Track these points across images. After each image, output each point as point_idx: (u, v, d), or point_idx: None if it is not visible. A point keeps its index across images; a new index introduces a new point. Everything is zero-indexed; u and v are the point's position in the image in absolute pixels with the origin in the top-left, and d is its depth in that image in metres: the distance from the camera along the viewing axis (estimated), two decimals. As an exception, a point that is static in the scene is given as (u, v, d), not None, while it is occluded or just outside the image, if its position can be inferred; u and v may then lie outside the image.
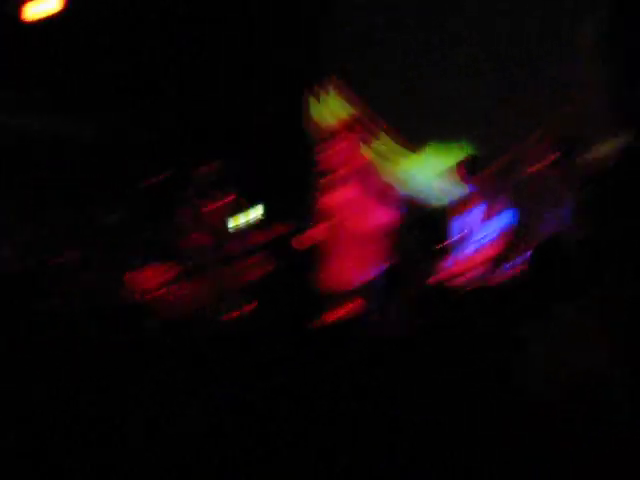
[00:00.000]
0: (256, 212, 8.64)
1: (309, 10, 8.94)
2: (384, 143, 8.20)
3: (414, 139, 8.21)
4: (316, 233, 5.74)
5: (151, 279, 5.72)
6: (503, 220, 6.07)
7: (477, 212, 6.23)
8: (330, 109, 8.30)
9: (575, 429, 2.74)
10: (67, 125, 8.41)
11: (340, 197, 5.75)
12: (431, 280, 5.98)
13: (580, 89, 5.64)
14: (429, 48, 8.31)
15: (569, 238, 4.40)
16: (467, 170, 6.17)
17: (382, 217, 5.59)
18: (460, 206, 6.39)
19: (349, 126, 5.68)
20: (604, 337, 3.10)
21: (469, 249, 6.18)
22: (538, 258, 3.60)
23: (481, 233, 6.16)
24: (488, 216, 6.14)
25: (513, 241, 5.97)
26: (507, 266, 5.92)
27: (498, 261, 5.99)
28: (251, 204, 8.56)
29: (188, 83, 8.68)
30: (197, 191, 7.36)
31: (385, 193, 5.66)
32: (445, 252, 6.31)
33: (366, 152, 5.68)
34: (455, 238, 6.32)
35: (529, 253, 4.44)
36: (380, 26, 8.61)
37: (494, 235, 6.08)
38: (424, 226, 7.38)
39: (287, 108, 8.51)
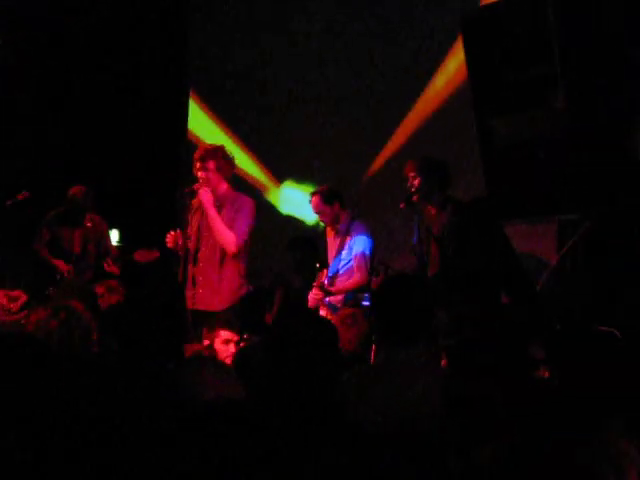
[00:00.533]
0: (112, 237, 8.47)
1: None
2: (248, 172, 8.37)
3: (278, 170, 8.53)
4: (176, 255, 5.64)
5: (9, 303, 5.47)
6: (359, 248, 6.15)
7: (338, 239, 6.30)
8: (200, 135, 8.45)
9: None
10: None
11: (197, 222, 5.64)
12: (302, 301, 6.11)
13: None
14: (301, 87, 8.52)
15: (415, 278, 4.57)
16: (327, 199, 6.22)
17: (239, 240, 5.50)
18: (326, 233, 6.50)
19: (212, 153, 5.65)
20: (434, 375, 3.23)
21: (332, 274, 6.25)
22: (379, 295, 3.63)
23: (340, 260, 6.24)
24: (347, 244, 6.22)
25: (368, 272, 6.08)
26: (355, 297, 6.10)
27: (353, 291, 6.14)
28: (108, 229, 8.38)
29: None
30: (57, 215, 7.20)
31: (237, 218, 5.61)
32: (315, 274, 6.40)
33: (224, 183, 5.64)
34: (323, 263, 6.42)
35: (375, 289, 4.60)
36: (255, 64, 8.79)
37: (352, 263, 6.17)
38: (295, 248, 7.49)
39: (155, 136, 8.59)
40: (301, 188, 8.22)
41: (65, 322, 3.70)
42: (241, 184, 7.74)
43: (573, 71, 4.91)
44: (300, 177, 8.47)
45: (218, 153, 5.69)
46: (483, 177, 5.40)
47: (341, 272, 6.22)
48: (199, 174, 5.60)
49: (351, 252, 6.17)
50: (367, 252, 6.14)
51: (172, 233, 5.61)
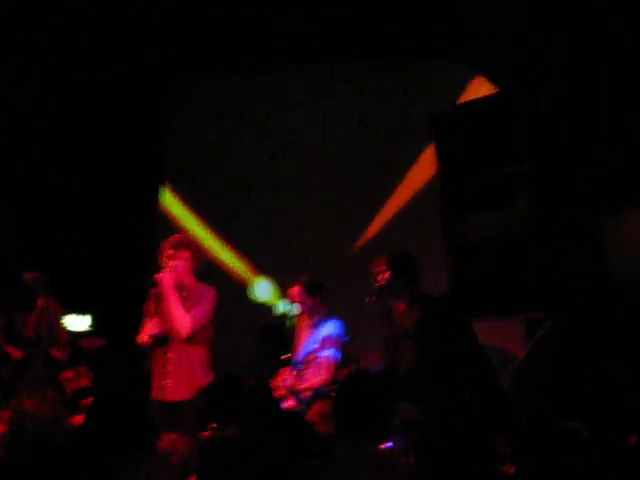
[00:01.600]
0: (83, 322, 8.47)
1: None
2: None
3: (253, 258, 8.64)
4: (143, 339, 5.64)
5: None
6: (330, 345, 6.14)
7: (309, 331, 6.32)
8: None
9: None
10: None
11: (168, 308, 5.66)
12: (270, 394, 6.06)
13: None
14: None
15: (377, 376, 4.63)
16: (309, 290, 6.27)
17: (193, 323, 5.55)
18: (299, 322, 6.49)
19: (187, 244, 5.74)
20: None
21: (300, 365, 6.25)
22: (342, 394, 3.71)
23: (310, 352, 6.22)
24: (320, 337, 6.20)
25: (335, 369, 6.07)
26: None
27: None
28: (80, 314, 8.40)
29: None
30: (10, 299, 7.21)
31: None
32: (285, 364, 6.38)
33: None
34: (296, 352, 6.38)
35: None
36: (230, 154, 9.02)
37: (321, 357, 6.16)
38: (266, 338, 7.52)
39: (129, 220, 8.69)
40: (274, 275, 8.36)
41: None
42: (212, 272, 7.87)
43: (538, 172, 5.08)
44: (274, 265, 8.63)
45: (192, 244, 5.81)
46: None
47: (311, 364, 6.16)
48: (169, 262, 5.64)
49: (324, 346, 6.12)
50: (338, 348, 6.13)
51: (154, 320, 5.63)
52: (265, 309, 8.61)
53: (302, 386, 6.12)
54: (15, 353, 6.99)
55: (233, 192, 9.04)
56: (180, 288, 5.66)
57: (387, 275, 5.54)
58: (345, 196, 8.44)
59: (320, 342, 6.18)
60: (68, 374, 5.51)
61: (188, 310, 5.59)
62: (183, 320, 5.53)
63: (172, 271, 5.61)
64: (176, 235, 5.93)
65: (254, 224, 8.84)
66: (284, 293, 6.53)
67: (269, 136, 8.96)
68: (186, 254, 5.68)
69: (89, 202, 8.82)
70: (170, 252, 5.65)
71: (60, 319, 7.34)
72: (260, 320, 8.35)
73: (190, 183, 9.29)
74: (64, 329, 7.40)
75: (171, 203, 9.26)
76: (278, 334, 7.47)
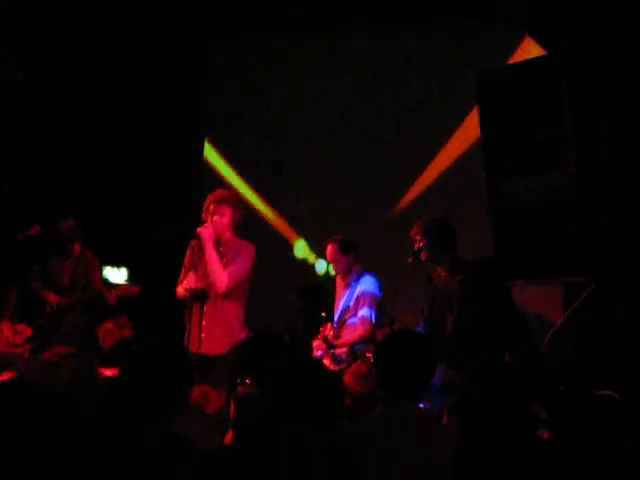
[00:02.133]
0: (120, 275, 8.55)
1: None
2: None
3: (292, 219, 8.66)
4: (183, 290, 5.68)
5: (13, 336, 5.57)
6: (366, 301, 6.20)
7: (347, 290, 6.38)
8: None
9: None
10: None
11: (203, 264, 5.70)
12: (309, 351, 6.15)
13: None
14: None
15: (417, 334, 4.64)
16: (343, 249, 6.29)
17: (230, 281, 5.58)
18: (337, 281, 6.56)
19: (229, 200, 5.76)
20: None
21: (338, 324, 6.32)
22: (381, 350, 3.71)
23: (348, 310, 6.30)
24: (355, 295, 6.28)
25: (372, 325, 6.14)
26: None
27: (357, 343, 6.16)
28: (116, 266, 8.49)
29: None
30: (56, 248, 7.25)
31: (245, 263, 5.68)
32: (325, 322, 6.41)
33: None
34: (329, 313, 6.46)
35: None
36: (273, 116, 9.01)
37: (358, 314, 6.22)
38: (301, 296, 7.58)
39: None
40: (314, 236, 8.39)
41: (70, 375, 3.68)
42: (256, 230, 7.93)
43: (585, 135, 5.02)
44: (312, 226, 8.66)
45: (234, 200, 5.83)
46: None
47: (348, 322, 6.27)
48: (211, 217, 5.69)
49: (358, 304, 6.21)
50: (373, 306, 6.18)
51: (192, 275, 5.67)
52: (305, 267, 8.63)
53: (339, 342, 6.19)
54: (52, 298, 7.07)
55: (274, 147, 9.06)
56: (219, 243, 5.70)
57: (422, 244, 5.57)
58: (388, 155, 8.40)
59: (355, 300, 6.25)
60: (108, 325, 5.56)
61: (226, 266, 5.63)
62: (221, 276, 5.57)
63: (213, 226, 5.65)
64: (219, 190, 5.93)
65: (294, 181, 8.87)
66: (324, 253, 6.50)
67: (306, 92, 8.94)
68: (228, 210, 5.70)
69: (131, 154, 8.86)
70: (212, 207, 5.69)
71: (97, 269, 7.39)
72: (300, 278, 8.44)
73: (231, 138, 9.30)
74: (101, 279, 7.46)
75: (213, 157, 9.27)
76: (317, 293, 7.54)
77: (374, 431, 3.35)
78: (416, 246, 5.60)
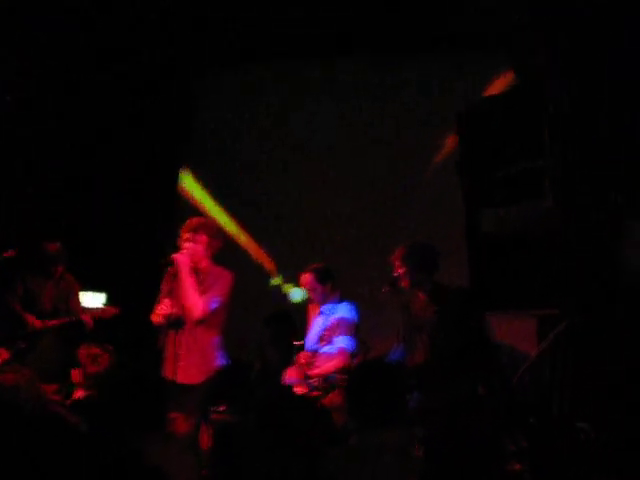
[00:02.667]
0: (98, 300, 8.53)
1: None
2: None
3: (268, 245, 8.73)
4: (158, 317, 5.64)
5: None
6: (343, 331, 6.21)
7: (321, 318, 6.38)
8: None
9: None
10: None
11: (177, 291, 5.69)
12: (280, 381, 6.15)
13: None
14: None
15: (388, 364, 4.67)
16: (320, 278, 6.32)
17: (205, 306, 5.57)
18: (311, 309, 6.57)
19: (206, 227, 5.78)
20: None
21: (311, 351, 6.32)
22: (353, 380, 3.79)
23: (321, 339, 6.30)
24: (330, 322, 6.29)
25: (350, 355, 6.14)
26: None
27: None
28: (95, 290, 8.46)
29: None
30: (40, 268, 7.23)
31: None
32: (298, 349, 6.42)
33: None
34: (308, 338, 6.44)
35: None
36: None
37: (333, 344, 6.23)
38: (271, 322, 7.60)
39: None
40: (289, 262, 8.43)
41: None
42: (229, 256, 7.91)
43: (562, 168, 5.08)
44: (288, 251, 8.72)
45: (211, 229, 5.80)
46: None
47: (322, 350, 6.26)
48: (186, 244, 5.66)
49: (334, 332, 6.21)
50: (352, 334, 6.19)
51: (167, 302, 5.63)
52: (280, 296, 8.65)
53: (313, 372, 6.18)
54: (31, 320, 6.99)
55: (251, 177, 9.14)
56: (196, 271, 5.68)
57: (402, 270, 5.61)
58: (365, 185, 8.49)
59: (330, 327, 6.25)
60: (94, 350, 5.52)
61: (202, 293, 5.59)
62: (196, 302, 5.53)
63: (189, 253, 5.63)
64: (195, 218, 5.91)
65: (270, 210, 8.96)
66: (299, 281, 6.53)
67: (289, 125, 9.05)
68: (204, 238, 5.68)
69: (109, 182, 8.89)
70: (188, 235, 5.66)
71: (77, 293, 7.36)
72: (272, 305, 8.44)
73: (209, 167, 9.36)
74: (80, 303, 7.41)
75: (191, 186, 9.32)
76: (288, 319, 7.58)
77: (349, 461, 3.38)
78: (395, 272, 5.64)
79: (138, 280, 8.22)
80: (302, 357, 6.27)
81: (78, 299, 7.35)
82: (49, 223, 8.30)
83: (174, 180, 9.38)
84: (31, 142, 8.54)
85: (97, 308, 7.48)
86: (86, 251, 8.32)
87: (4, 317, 7.11)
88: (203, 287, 5.64)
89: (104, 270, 8.39)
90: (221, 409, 5.78)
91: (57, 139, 8.73)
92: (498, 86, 7.28)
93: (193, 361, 5.56)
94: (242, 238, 8.96)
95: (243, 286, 6.00)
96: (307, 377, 6.14)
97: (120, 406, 3.38)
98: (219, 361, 5.63)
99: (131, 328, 7.20)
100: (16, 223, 8.31)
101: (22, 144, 8.46)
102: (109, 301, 8.51)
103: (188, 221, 5.78)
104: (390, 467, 3.29)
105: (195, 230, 5.69)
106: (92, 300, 8.52)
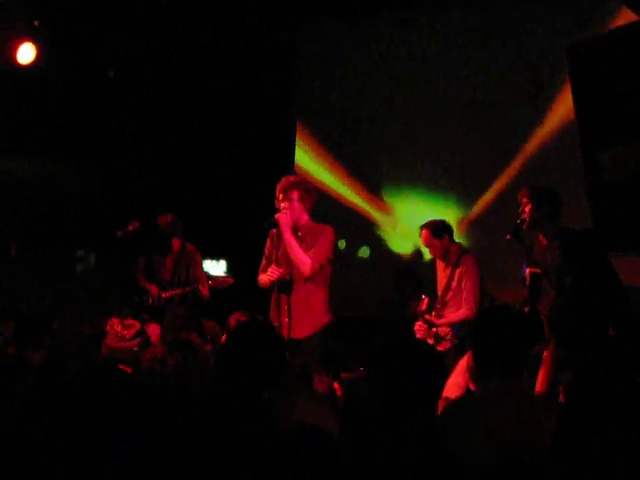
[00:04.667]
0: (220, 267, 8.82)
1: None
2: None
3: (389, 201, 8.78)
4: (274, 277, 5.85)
5: (122, 332, 5.85)
6: (469, 281, 6.30)
7: (447, 271, 6.46)
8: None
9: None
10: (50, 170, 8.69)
11: (283, 251, 5.90)
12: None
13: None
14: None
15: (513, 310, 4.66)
16: (436, 233, 6.42)
17: (313, 263, 5.75)
18: (436, 264, 6.65)
19: (295, 184, 5.91)
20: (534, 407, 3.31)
21: (441, 305, 6.41)
22: (477, 327, 3.71)
23: (449, 291, 6.39)
24: (456, 275, 6.37)
25: (476, 305, 6.24)
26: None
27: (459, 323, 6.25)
28: (216, 259, 8.74)
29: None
30: (156, 245, 7.55)
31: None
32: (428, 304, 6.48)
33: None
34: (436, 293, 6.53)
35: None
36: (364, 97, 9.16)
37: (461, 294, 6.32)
38: (399, 280, 7.69)
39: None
40: (411, 219, 8.42)
41: (183, 362, 3.82)
42: (352, 216, 7.97)
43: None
44: (411, 208, 8.72)
45: (300, 184, 5.95)
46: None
47: (450, 303, 6.36)
48: (282, 204, 5.84)
49: (461, 284, 6.32)
50: (476, 286, 6.28)
51: (274, 266, 5.84)
52: (406, 251, 8.70)
53: (440, 321, 6.31)
54: (154, 290, 7.40)
55: (364, 129, 9.17)
56: (295, 228, 5.86)
57: (528, 207, 5.61)
58: (482, 131, 8.44)
59: (457, 279, 6.35)
60: (243, 318, 5.75)
61: (306, 250, 5.79)
62: (304, 260, 5.74)
63: (287, 212, 5.80)
64: (285, 177, 6.05)
65: (384, 161, 8.98)
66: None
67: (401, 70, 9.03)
68: (296, 194, 5.84)
69: (226, 149, 9.16)
70: (281, 195, 5.85)
71: (199, 262, 7.62)
72: (385, 260, 8.51)
73: (320, 122, 9.46)
74: (203, 272, 7.70)
75: (303, 145, 9.48)
76: (414, 275, 7.65)
77: (468, 410, 3.37)
78: (521, 210, 5.64)
79: (256, 245, 8.47)
80: (424, 304, 6.38)
81: (199, 268, 7.60)
82: (167, 198, 8.62)
83: (288, 139, 9.51)
84: (141, 116, 8.85)
85: (215, 277, 7.72)
86: (203, 219, 8.54)
87: (131, 290, 7.50)
88: (305, 244, 5.83)
89: (224, 238, 8.66)
90: (350, 367, 5.92)
91: (164, 110, 8.98)
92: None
93: (303, 317, 5.77)
94: (353, 193, 9.04)
95: (354, 241, 6.04)
96: (434, 326, 6.28)
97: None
98: (327, 316, 5.82)
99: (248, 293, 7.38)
100: (133, 199, 8.65)
101: (131, 119, 8.78)
102: (229, 268, 8.80)
103: (278, 182, 5.95)
104: (512, 416, 3.23)
105: (286, 189, 5.86)
106: (214, 267, 8.84)
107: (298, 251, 5.77)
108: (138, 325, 6.21)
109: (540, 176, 7.47)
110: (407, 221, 8.70)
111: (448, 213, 7.31)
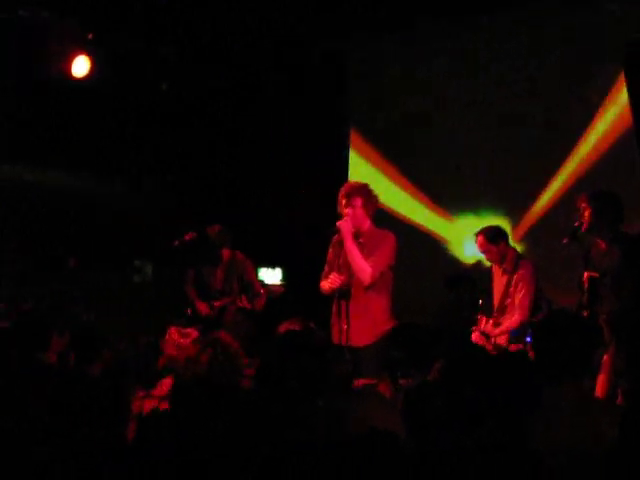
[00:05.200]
0: (275, 275, 8.83)
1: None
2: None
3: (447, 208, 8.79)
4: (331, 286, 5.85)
5: (179, 341, 5.90)
6: (524, 287, 6.23)
7: (504, 277, 6.40)
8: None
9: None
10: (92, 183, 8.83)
11: (343, 258, 5.88)
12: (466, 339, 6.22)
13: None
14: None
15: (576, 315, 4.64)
16: (492, 239, 6.38)
17: (373, 271, 5.74)
18: (492, 270, 6.60)
19: (359, 189, 5.90)
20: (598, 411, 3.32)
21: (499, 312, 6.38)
22: (540, 332, 3.73)
23: (508, 297, 6.34)
24: (514, 282, 6.31)
25: (530, 310, 6.17)
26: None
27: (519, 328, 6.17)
28: (271, 267, 8.76)
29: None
30: (206, 256, 7.54)
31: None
32: (482, 311, 6.50)
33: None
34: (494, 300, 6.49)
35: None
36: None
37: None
38: (454, 286, 7.66)
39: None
40: (468, 225, 8.32)
41: (213, 356, 3.94)
42: (406, 224, 7.97)
43: None
44: (468, 213, 8.69)
45: (364, 190, 5.92)
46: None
47: (508, 309, 6.31)
48: (345, 210, 5.83)
49: (517, 288, 6.24)
50: (531, 291, 6.21)
51: (335, 274, 5.84)
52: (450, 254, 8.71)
53: (496, 331, 6.25)
54: (203, 309, 7.39)
55: (418, 131, 9.17)
56: (357, 235, 5.85)
57: (588, 212, 5.52)
58: (535, 133, 8.37)
59: (514, 285, 6.28)
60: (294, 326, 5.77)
61: (367, 257, 5.77)
62: (364, 268, 5.72)
63: (350, 218, 5.80)
64: (348, 183, 6.08)
65: (441, 164, 8.94)
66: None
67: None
68: (359, 201, 5.83)
69: (282, 154, 9.19)
70: (344, 201, 5.85)
71: (253, 271, 7.63)
72: (445, 266, 8.49)
73: (375, 127, 9.47)
74: (258, 281, 7.71)
75: (359, 150, 9.48)
76: (470, 282, 7.61)
77: (538, 415, 3.31)
78: (579, 214, 5.55)
79: (312, 253, 8.50)
80: (483, 323, 6.35)
81: (252, 276, 7.59)
82: (226, 204, 8.68)
83: (343, 146, 9.52)
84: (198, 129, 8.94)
85: (267, 285, 7.71)
86: (258, 228, 8.59)
87: (183, 303, 7.54)
88: (367, 250, 5.80)
89: (280, 245, 8.67)
90: (406, 373, 5.87)
91: (221, 121, 9.10)
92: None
93: (363, 325, 5.74)
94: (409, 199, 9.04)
95: (411, 246, 5.98)
96: (488, 336, 6.22)
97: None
98: (389, 323, 5.66)
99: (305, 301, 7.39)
100: (184, 209, 8.72)
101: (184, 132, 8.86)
102: (285, 276, 8.81)
103: (342, 187, 5.95)
104: (573, 420, 3.24)
105: (349, 195, 5.85)
106: (269, 276, 8.86)
107: (359, 259, 5.76)
108: (195, 333, 6.25)
109: (594, 179, 7.44)
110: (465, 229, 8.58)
111: (505, 216, 7.24)
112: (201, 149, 9.31)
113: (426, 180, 9.02)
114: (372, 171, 9.22)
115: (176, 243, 7.37)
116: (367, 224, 5.91)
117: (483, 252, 6.48)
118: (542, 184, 8.20)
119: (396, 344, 5.46)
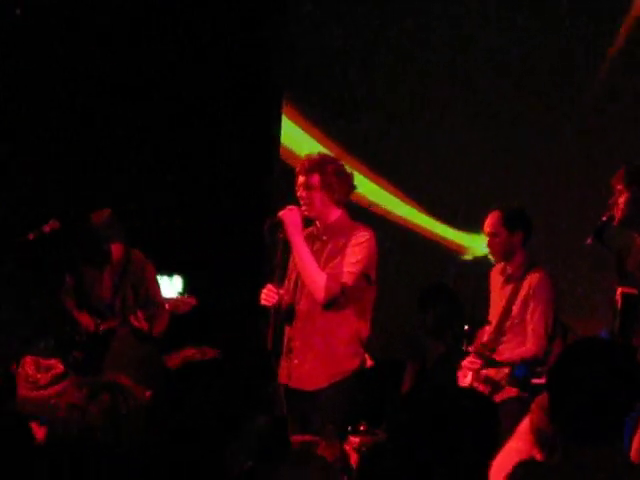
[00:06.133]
0: (173, 286, 8.70)
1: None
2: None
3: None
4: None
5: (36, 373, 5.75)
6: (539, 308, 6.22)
7: (508, 287, 6.38)
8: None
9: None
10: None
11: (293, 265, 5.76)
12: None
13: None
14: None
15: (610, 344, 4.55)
16: (510, 222, 6.32)
17: (331, 283, 5.52)
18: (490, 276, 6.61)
19: (319, 164, 5.66)
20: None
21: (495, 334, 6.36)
22: (556, 371, 3.53)
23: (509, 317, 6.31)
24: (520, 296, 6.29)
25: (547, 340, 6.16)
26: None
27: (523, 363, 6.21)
28: (168, 275, 8.66)
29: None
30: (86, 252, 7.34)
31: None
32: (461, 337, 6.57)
33: None
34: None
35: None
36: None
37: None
38: (429, 303, 7.65)
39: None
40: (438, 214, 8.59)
41: (112, 407, 3.72)
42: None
43: None
44: (440, 203, 8.83)
45: (327, 166, 5.62)
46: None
47: (509, 333, 6.28)
48: (299, 193, 5.60)
49: (525, 309, 6.21)
50: (549, 313, 6.19)
51: (270, 287, 5.62)
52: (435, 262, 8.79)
53: (500, 357, 6.20)
54: (87, 323, 7.18)
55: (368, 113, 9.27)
56: (319, 230, 5.67)
57: (625, 198, 5.50)
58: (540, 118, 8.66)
59: (522, 301, 6.22)
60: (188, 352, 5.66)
61: (328, 261, 5.55)
62: (316, 278, 5.48)
63: (304, 205, 5.56)
64: (308, 155, 5.78)
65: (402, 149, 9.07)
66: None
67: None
68: (320, 179, 5.54)
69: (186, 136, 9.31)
70: (301, 178, 5.57)
71: (154, 278, 7.45)
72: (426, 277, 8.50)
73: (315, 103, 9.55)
74: (158, 289, 7.49)
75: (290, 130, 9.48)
76: (450, 296, 7.63)
77: None
78: (612, 201, 5.57)
79: (226, 259, 8.37)
80: (484, 334, 6.37)
81: (153, 284, 7.41)
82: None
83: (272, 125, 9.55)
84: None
85: (169, 299, 7.57)
86: (154, 227, 8.68)
87: (55, 318, 7.37)
88: (328, 252, 5.58)
89: (180, 249, 8.59)
90: (362, 428, 5.78)
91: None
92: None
93: (315, 359, 5.57)
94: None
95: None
96: (492, 364, 6.17)
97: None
98: (354, 360, 5.59)
99: (220, 321, 7.33)
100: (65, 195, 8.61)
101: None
102: (186, 286, 8.66)
103: (301, 161, 5.72)
104: None
105: (308, 171, 5.57)
106: (166, 287, 8.69)
107: (310, 265, 5.51)
108: (60, 367, 6.06)
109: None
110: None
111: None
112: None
113: (384, 155, 9.19)
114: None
115: (31, 236, 7.14)
116: (334, 214, 5.63)
117: (489, 234, 6.39)
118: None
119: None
